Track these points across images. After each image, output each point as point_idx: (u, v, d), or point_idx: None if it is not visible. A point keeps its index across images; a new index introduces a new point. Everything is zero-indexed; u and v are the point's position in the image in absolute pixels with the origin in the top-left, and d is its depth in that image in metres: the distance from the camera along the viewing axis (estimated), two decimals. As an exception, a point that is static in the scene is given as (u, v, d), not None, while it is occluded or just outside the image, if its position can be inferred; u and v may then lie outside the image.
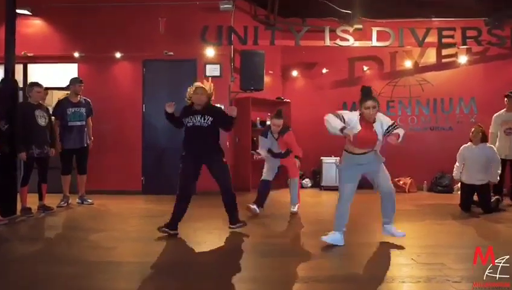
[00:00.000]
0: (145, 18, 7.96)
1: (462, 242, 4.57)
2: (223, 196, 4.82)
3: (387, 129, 4.22)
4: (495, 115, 6.78)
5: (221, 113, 4.93)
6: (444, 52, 8.68)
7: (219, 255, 4.15)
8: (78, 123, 6.60)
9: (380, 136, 4.21)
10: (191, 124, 4.68)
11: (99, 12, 7.99)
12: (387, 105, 8.80)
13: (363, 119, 4.21)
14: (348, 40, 8.00)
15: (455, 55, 8.65)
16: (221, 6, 7.85)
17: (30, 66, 8.21)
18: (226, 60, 8.11)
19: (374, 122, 4.23)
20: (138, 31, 7.95)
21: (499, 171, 6.15)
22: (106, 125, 7.76)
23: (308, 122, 8.32)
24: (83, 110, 6.68)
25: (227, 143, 7.94)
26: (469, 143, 6.29)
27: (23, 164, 5.89)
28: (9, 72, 5.84)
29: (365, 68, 9.01)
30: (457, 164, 6.37)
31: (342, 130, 4.02)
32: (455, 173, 6.40)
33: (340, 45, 8.05)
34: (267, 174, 6.05)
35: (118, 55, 7.96)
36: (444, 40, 7.98)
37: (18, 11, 7.05)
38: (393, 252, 4.09)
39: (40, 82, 6.30)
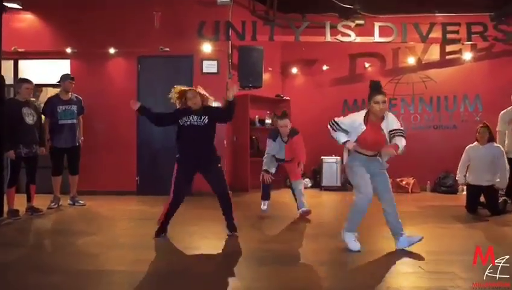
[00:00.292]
0: (140, 12, 7.73)
1: (470, 247, 4.27)
2: (221, 201, 4.63)
3: (390, 131, 3.98)
4: (502, 112, 6.51)
5: (216, 108, 4.75)
6: (448, 48, 8.46)
7: (214, 264, 3.90)
8: (69, 121, 6.34)
9: (387, 137, 4.00)
10: (188, 123, 4.52)
11: (93, 7, 7.76)
12: (390, 103, 8.52)
13: (370, 118, 4.00)
14: (349, 35, 7.77)
15: (459, 51, 8.43)
16: (219, 1, 7.60)
17: (21, 62, 7.96)
18: (223, 56, 7.88)
19: (382, 120, 4.00)
20: (133, 26, 7.71)
21: (507, 176, 5.90)
22: (100, 123, 7.57)
23: (308, 120, 8.12)
24: (74, 108, 6.42)
25: (225, 142, 7.72)
26: (475, 143, 6.06)
27: (10, 163, 5.62)
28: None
29: (367, 65, 8.81)
30: (460, 166, 6.11)
31: (344, 143, 3.98)
32: (459, 176, 6.14)
33: (341, 41, 7.82)
34: (268, 166, 5.70)
35: (111, 51, 7.73)
36: (449, 36, 7.74)
37: (8, 4, 6.85)
38: (398, 260, 3.84)
39: (31, 78, 6.03)
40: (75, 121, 6.40)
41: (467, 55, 8.36)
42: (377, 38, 7.79)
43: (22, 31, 7.77)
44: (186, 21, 7.68)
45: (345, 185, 8.35)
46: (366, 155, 4.09)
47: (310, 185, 8.75)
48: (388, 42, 7.93)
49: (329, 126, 4.09)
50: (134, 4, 7.74)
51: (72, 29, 7.78)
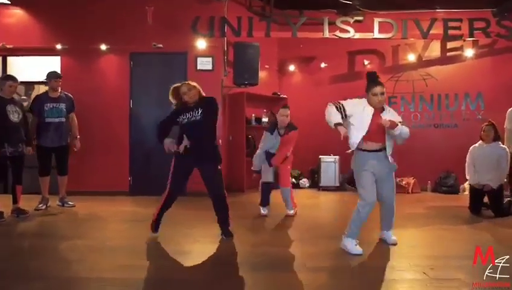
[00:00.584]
0: (132, 7, 7.49)
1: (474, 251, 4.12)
2: (216, 205, 4.44)
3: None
4: (510, 109, 6.27)
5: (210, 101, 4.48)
6: (449, 45, 8.25)
7: (207, 270, 3.67)
8: (56, 120, 6.07)
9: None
10: (185, 120, 4.35)
11: (83, 2, 7.53)
12: (389, 101, 8.33)
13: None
14: (348, 31, 7.55)
15: (461, 48, 8.23)
16: (214, -5, 7.40)
17: (10, 59, 7.71)
18: (218, 53, 7.65)
19: (383, 111, 3.93)
20: (125, 21, 7.47)
21: (503, 178, 5.73)
22: (91, 122, 7.30)
23: (306, 119, 7.89)
24: (63, 106, 6.16)
25: (220, 141, 7.49)
26: (479, 142, 5.86)
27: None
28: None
29: (366, 62, 8.59)
30: (467, 168, 5.91)
31: (336, 125, 3.79)
32: (469, 177, 5.92)
33: (340, 37, 7.60)
34: (266, 176, 5.67)
35: (103, 47, 7.49)
36: (450, 32, 7.53)
37: (-5, -1, 6.61)
38: (401, 265, 3.63)
39: (20, 76, 5.86)
40: (63, 119, 6.14)
41: (469, 52, 8.16)
42: (376, 34, 7.57)
43: (10, 26, 7.53)
44: (180, 16, 7.45)
45: (344, 185, 8.15)
46: (370, 151, 3.93)
47: (307, 185, 8.54)
48: (388, 38, 7.73)
49: (329, 105, 3.90)
50: (126, -1, 7.53)
51: (62, 25, 7.53)
